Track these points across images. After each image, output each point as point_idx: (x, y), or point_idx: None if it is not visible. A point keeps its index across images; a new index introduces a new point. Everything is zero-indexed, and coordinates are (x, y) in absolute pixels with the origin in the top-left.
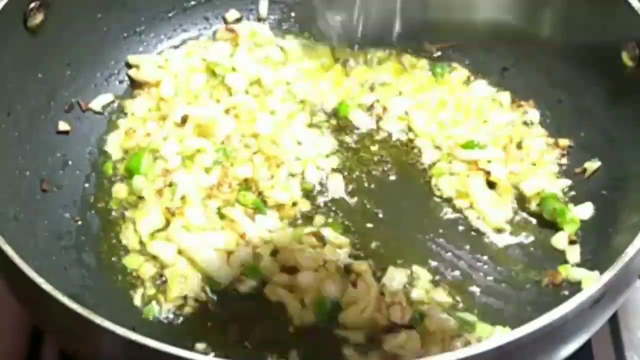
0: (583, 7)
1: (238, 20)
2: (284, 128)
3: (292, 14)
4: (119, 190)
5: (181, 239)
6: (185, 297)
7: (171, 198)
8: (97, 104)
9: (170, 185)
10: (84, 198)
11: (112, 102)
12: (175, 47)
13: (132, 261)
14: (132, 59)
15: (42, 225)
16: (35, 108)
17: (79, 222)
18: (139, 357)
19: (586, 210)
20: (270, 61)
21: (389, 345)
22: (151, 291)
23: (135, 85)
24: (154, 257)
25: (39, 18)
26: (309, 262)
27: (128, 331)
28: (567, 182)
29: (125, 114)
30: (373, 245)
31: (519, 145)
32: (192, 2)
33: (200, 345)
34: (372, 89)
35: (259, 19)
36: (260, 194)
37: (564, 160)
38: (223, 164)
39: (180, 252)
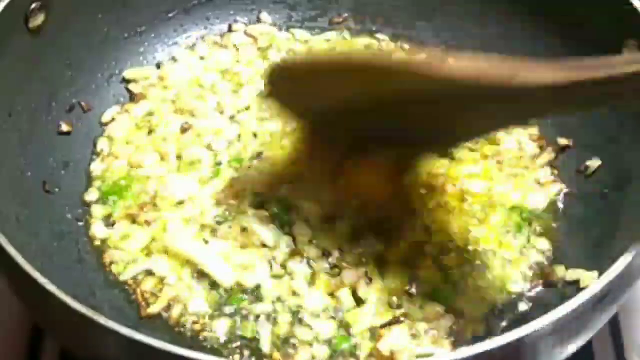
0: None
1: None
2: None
3: (292, 14)
4: (97, 210)
5: (178, 243)
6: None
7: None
8: (105, 117)
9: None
10: (85, 199)
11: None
12: (178, 45)
13: (117, 267)
14: (128, 73)
15: (44, 226)
16: (36, 109)
17: (81, 223)
18: (142, 357)
19: (542, 244)
20: None
21: (385, 344)
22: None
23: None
24: (148, 271)
25: (39, 19)
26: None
27: (132, 331)
28: (559, 186)
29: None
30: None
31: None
32: (193, 2)
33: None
34: None
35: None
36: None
37: (564, 160)
38: (226, 172)
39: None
